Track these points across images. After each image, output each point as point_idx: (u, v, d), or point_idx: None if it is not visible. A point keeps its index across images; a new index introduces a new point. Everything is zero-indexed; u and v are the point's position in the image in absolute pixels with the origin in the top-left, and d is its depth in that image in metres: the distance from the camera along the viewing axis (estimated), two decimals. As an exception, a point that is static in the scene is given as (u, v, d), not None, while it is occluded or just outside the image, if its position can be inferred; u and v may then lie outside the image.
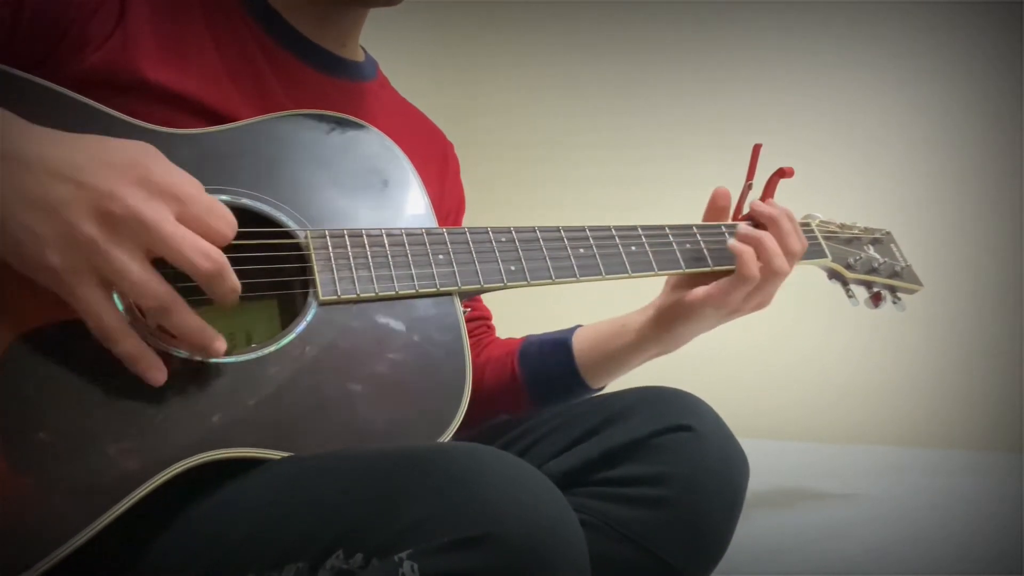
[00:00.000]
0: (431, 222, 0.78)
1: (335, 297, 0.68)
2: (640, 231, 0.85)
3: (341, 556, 0.52)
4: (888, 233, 1.07)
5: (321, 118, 0.77)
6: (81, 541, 0.53)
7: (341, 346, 0.67)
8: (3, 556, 0.51)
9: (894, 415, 1.83)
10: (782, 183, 0.94)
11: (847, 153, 1.92)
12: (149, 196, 0.55)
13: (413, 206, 0.78)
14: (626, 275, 0.82)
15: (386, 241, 0.72)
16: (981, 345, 1.80)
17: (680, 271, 0.86)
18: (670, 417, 0.74)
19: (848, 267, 0.99)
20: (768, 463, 1.13)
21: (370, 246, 0.71)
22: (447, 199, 0.97)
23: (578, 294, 1.05)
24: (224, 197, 0.68)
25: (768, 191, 0.94)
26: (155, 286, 0.55)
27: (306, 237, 0.69)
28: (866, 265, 1.00)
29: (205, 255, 0.56)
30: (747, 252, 0.83)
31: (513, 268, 0.76)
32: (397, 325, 0.69)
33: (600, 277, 0.81)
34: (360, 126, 0.79)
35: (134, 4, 0.71)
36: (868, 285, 1.02)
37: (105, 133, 0.58)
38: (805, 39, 1.99)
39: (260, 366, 0.63)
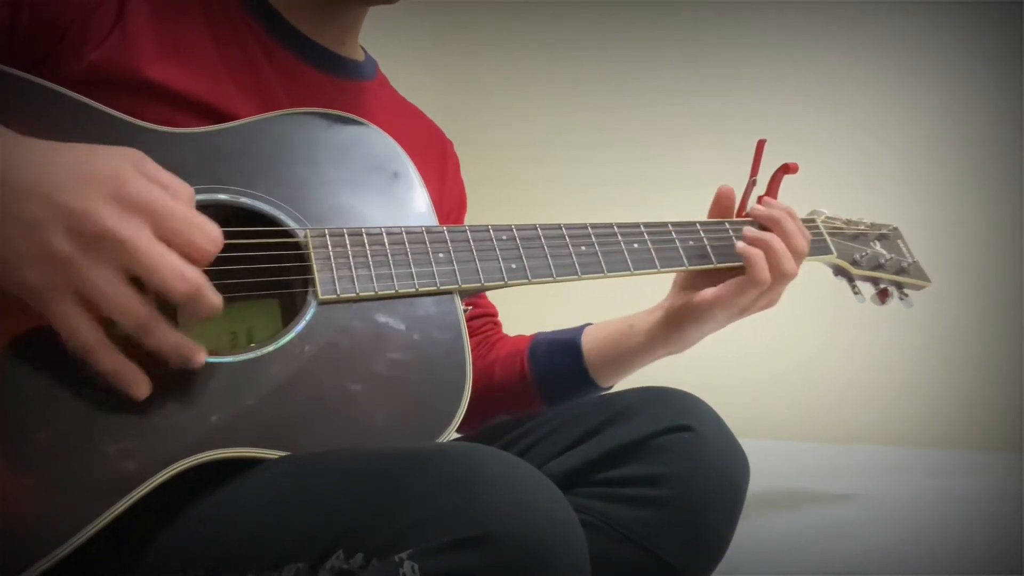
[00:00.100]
0: (432, 220, 0.77)
1: (334, 296, 0.68)
2: (642, 228, 0.84)
3: (341, 556, 0.51)
4: (895, 229, 1.06)
5: (321, 116, 0.77)
6: (81, 541, 0.53)
7: (341, 345, 0.66)
8: (3, 556, 0.51)
9: (894, 415, 1.83)
10: (785, 180, 0.94)
11: (847, 153, 1.92)
12: (122, 212, 0.53)
13: (414, 204, 0.78)
14: (628, 272, 0.82)
15: (386, 240, 0.72)
16: (981, 345, 1.79)
17: (683, 268, 0.85)
18: (671, 417, 0.74)
19: (854, 263, 0.98)
20: (768, 463, 1.13)
21: (370, 245, 0.71)
22: (448, 197, 0.97)
23: (580, 291, 1.05)
24: (223, 196, 0.68)
25: (772, 187, 0.94)
26: (131, 304, 0.54)
27: (305, 236, 0.69)
28: (872, 261, 0.99)
29: (181, 277, 0.54)
30: (757, 256, 0.83)
31: (514, 266, 0.76)
32: (397, 324, 0.69)
33: (602, 275, 0.80)
34: (361, 124, 0.79)
35: (133, 3, 0.71)
36: (874, 281, 1.01)
37: (105, 132, 0.58)
38: (805, 39, 1.99)
39: (259, 366, 0.63)
